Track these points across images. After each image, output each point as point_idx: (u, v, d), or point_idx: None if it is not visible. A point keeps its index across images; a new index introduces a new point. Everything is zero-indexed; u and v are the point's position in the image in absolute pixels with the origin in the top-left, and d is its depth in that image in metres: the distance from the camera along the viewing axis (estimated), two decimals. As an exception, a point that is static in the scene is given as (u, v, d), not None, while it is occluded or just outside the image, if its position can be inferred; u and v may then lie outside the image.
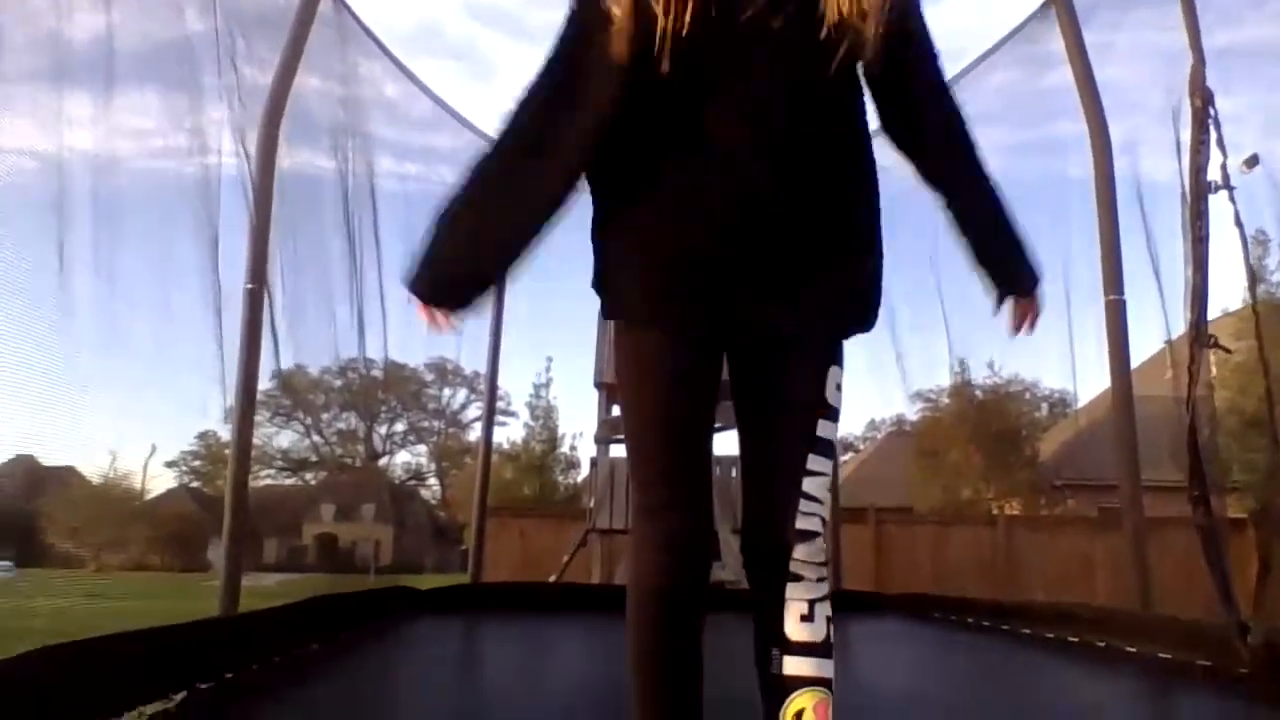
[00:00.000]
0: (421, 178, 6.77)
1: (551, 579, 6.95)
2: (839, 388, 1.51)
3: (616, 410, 8.38)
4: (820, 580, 1.47)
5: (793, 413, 1.50)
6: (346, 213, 5.33)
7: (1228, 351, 3.17)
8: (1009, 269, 1.62)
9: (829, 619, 1.46)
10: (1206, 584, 3.35)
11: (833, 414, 1.50)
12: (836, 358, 1.52)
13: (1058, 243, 5.12)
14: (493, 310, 7.24)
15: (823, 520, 1.48)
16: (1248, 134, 3.56)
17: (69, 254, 3.51)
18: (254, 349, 4.30)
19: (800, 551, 1.44)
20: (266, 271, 4.34)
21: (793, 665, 1.42)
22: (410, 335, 6.31)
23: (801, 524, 1.45)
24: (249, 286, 4.28)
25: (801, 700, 1.40)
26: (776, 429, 1.52)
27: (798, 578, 1.45)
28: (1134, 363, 4.49)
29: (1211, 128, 3.14)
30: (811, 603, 1.45)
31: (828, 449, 1.50)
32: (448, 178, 7.20)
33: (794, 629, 1.44)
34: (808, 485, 1.46)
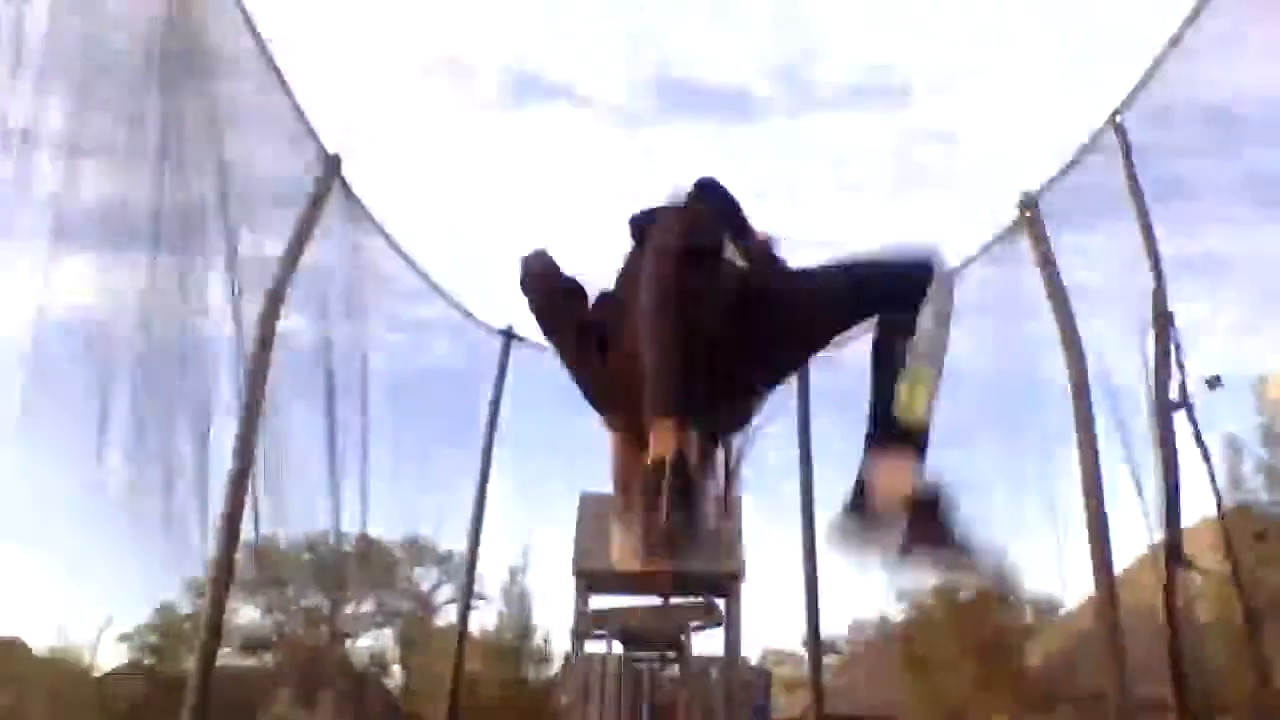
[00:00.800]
0: (414, 353, 6.89)
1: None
2: None
3: (595, 603, 8.16)
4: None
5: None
6: (332, 383, 5.37)
7: (1202, 572, 3.15)
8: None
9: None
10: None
11: None
12: None
13: (1038, 443, 5.19)
14: (476, 487, 7.17)
15: None
16: (1215, 340, 3.69)
17: (41, 417, 3.51)
18: (235, 524, 4.22)
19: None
20: (254, 451, 4.32)
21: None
22: (388, 510, 6.24)
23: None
24: (234, 468, 4.25)
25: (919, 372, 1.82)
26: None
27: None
28: (1124, 565, 4.42)
29: (1172, 349, 3.26)
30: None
31: None
32: (443, 355, 7.36)
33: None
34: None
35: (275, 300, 4.49)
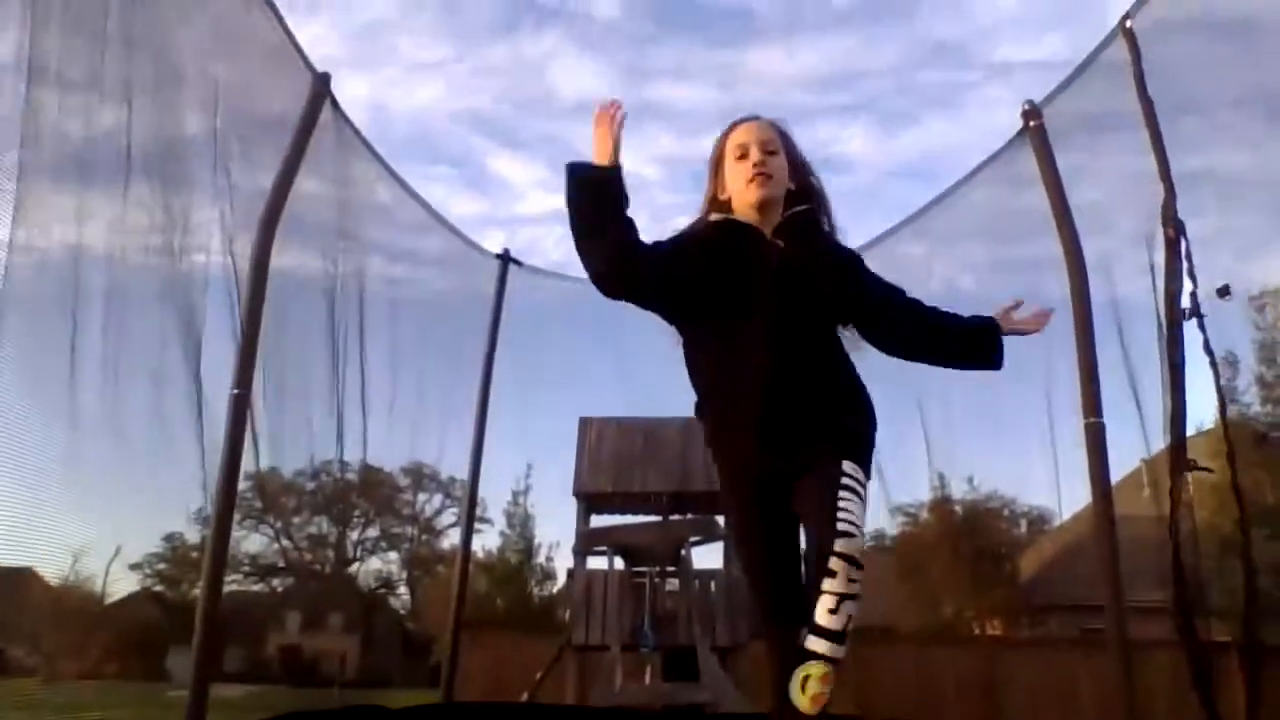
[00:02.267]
0: (411, 281, 6.84)
1: (524, 697, 6.72)
2: (854, 469, 2.10)
3: (595, 521, 8.29)
4: (852, 581, 1.92)
5: (824, 473, 2.07)
6: (333, 314, 5.35)
7: (1209, 471, 3.19)
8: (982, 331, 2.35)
9: (850, 619, 1.91)
10: (1193, 707, 3.29)
11: (855, 478, 2.08)
12: (848, 456, 2.12)
13: (1038, 358, 5.20)
14: (475, 413, 7.20)
15: (860, 531, 1.99)
16: (1220, 254, 3.68)
17: (41, 349, 3.50)
18: (236, 454, 4.24)
19: (840, 544, 1.92)
20: (253, 378, 4.32)
21: (812, 642, 1.89)
22: (390, 439, 6.28)
23: (840, 528, 1.95)
24: (235, 392, 4.25)
25: (810, 669, 1.88)
26: (815, 487, 2.07)
27: (833, 574, 1.91)
28: (1114, 478, 4.49)
29: (1183, 258, 3.25)
30: (839, 598, 1.90)
31: (854, 492, 2.04)
32: (439, 282, 7.32)
33: (821, 615, 1.90)
34: (842, 506, 1.99)
35: (270, 223, 4.43)
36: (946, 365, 2.48)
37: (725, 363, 2.19)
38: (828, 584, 1.90)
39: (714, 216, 2.31)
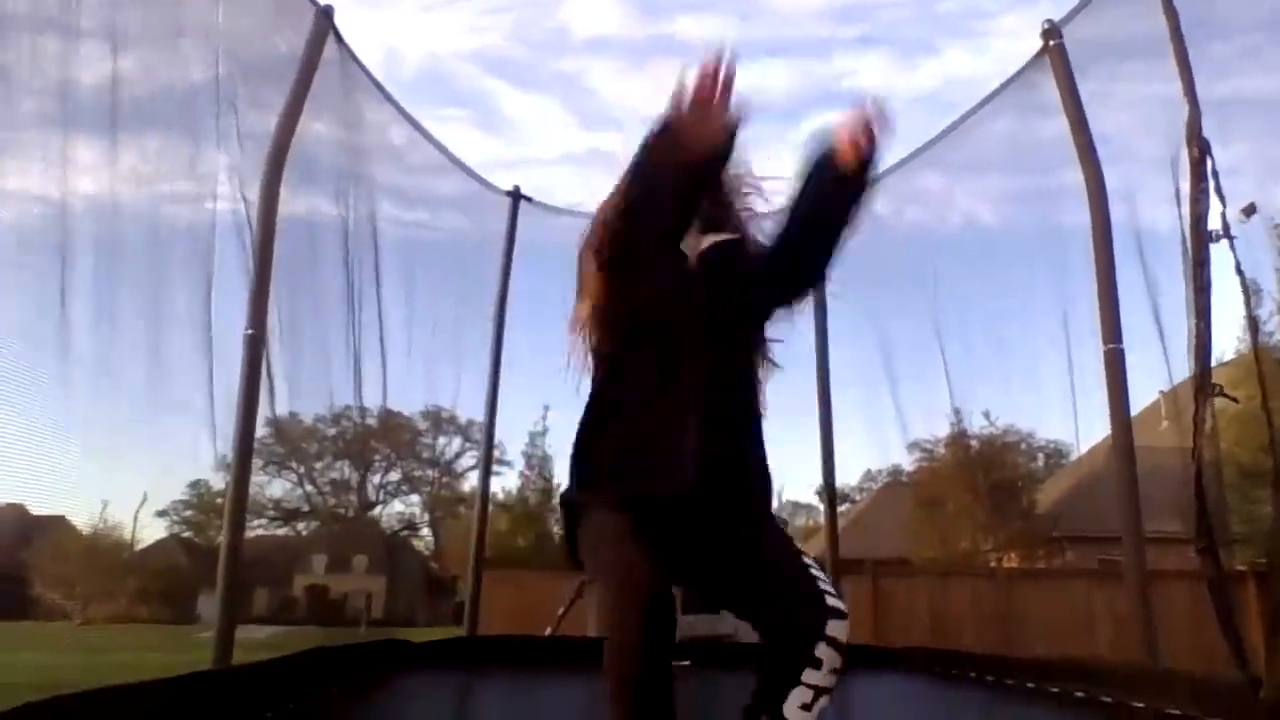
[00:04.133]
0: (424, 224, 6.80)
1: (547, 632, 6.84)
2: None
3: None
4: (834, 673, 1.61)
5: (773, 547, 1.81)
6: (347, 258, 5.33)
7: (1234, 400, 3.16)
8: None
9: (822, 712, 1.61)
10: (1211, 637, 3.30)
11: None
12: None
13: (1056, 291, 5.16)
14: (490, 356, 7.22)
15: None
16: (1245, 182, 3.59)
17: (64, 299, 3.50)
18: (252, 397, 4.27)
19: (833, 627, 1.61)
20: (267, 318, 4.32)
21: None
22: (407, 383, 6.30)
23: (831, 605, 1.64)
24: (249, 333, 4.25)
25: None
26: (770, 560, 1.78)
27: (818, 663, 1.59)
28: (1133, 409, 4.47)
29: (1210, 177, 3.17)
30: (817, 693, 1.60)
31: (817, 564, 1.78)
32: (451, 224, 7.28)
33: (792, 711, 1.59)
34: (821, 578, 1.70)
35: (278, 162, 4.39)
36: (842, 230, 1.98)
37: (646, 386, 1.96)
38: (809, 675, 1.60)
39: None
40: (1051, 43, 4.68)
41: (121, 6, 3.73)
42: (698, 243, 2.04)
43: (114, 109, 3.72)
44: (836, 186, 1.91)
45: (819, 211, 1.96)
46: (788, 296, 2.09)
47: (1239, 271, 3.11)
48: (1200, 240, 3.17)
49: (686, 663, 4.54)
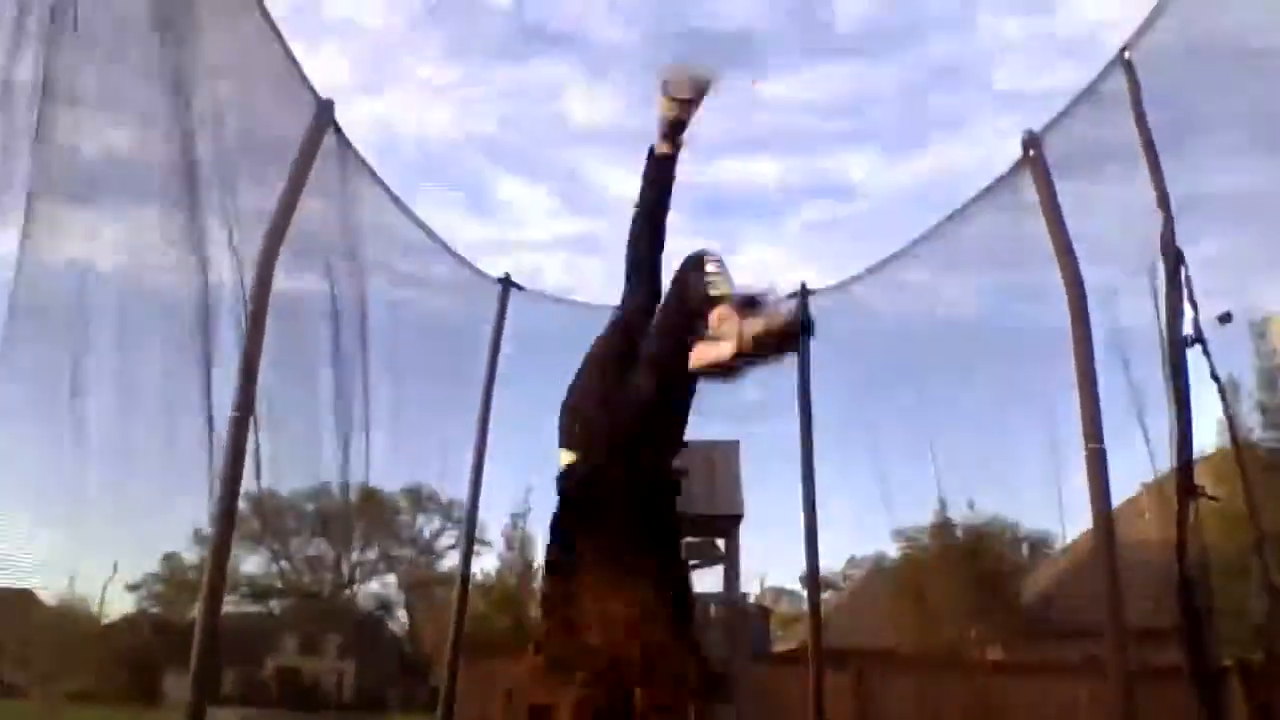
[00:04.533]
0: (414, 305, 6.85)
1: (523, 721, 6.66)
2: None
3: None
4: None
5: None
6: (335, 336, 5.36)
7: (1214, 500, 3.19)
8: None
9: None
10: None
11: None
12: None
13: (1040, 385, 5.22)
14: (476, 437, 7.19)
15: None
16: (1225, 278, 3.69)
17: (43, 369, 3.50)
18: (236, 476, 4.24)
19: None
20: (254, 399, 4.32)
21: None
22: (390, 461, 6.27)
23: None
24: (234, 415, 4.25)
25: None
26: None
27: None
28: (1117, 503, 4.48)
29: (1184, 285, 3.27)
30: None
31: None
32: (441, 307, 7.33)
33: None
34: None
35: (273, 243, 4.45)
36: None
37: None
38: None
39: None
40: (1031, 152, 4.83)
41: (128, 82, 3.81)
42: None
43: (112, 181, 3.78)
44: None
45: None
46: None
47: (1214, 376, 3.18)
48: (1176, 344, 3.26)
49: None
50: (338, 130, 5.05)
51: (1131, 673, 4.27)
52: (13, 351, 3.28)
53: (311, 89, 4.82)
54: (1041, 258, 4.71)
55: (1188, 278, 3.29)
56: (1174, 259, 3.33)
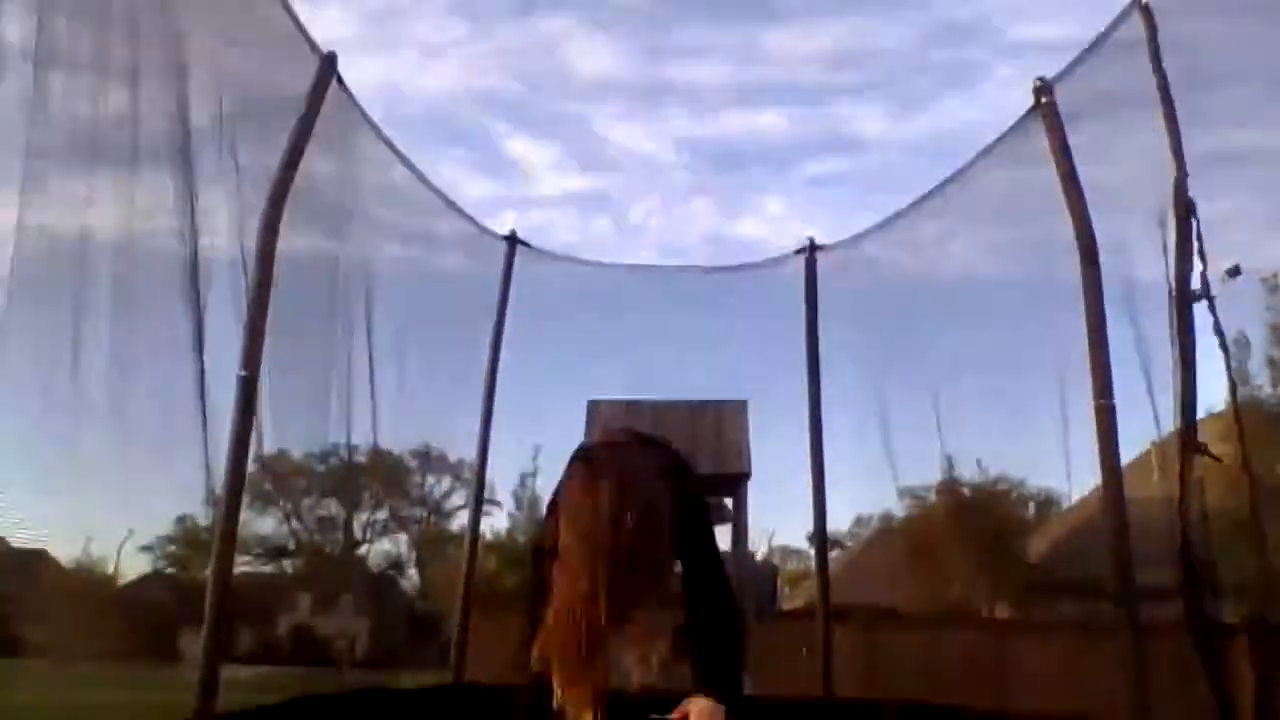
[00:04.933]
0: (420, 264, 6.83)
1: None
2: None
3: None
4: None
5: None
6: (340, 295, 5.35)
7: (1217, 459, 3.18)
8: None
9: None
10: (1202, 690, 3.29)
11: None
12: None
13: (1049, 341, 5.18)
14: (483, 396, 7.20)
15: None
16: (1236, 234, 3.64)
17: (50, 333, 3.50)
18: (244, 437, 4.25)
19: None
20: (260, 359, 4.32)
21: None
22: (398, 421, 6.28)
23: None
24: (242, 374, 4.25)
25: None
26: None
27: None
28: (1124, 460, 4.46)
29: (1194, 238, 3.22)
30: None
31: None
32: (446, 264, 7.32)
33: None
34: None
35: (276, 205, 4.42)
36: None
37: None
38: None
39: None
40: (1043, 100, 4.75)
41: (124, 43, 3.77)
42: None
43: (112, 144, 3.75)
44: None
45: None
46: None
47: (1218, 332, 3.14)
48: (1184, 299, 3.22)
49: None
50: (341, 84, 4.99)
51: (1139, 630, 4.29)
52: (17, 317, 3.28)
53: (313, 43, 4.76)
54: (1052, 212, 4.65)
55: (1198, 230, 3.24)
56: (1186, 209, 3.27)
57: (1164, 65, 3.80)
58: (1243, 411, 4.04)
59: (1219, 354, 3.49)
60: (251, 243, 4.41)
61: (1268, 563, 3.59)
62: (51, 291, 3.56)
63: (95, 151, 3.73)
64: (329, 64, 4.82)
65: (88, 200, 3.67)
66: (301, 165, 4.58)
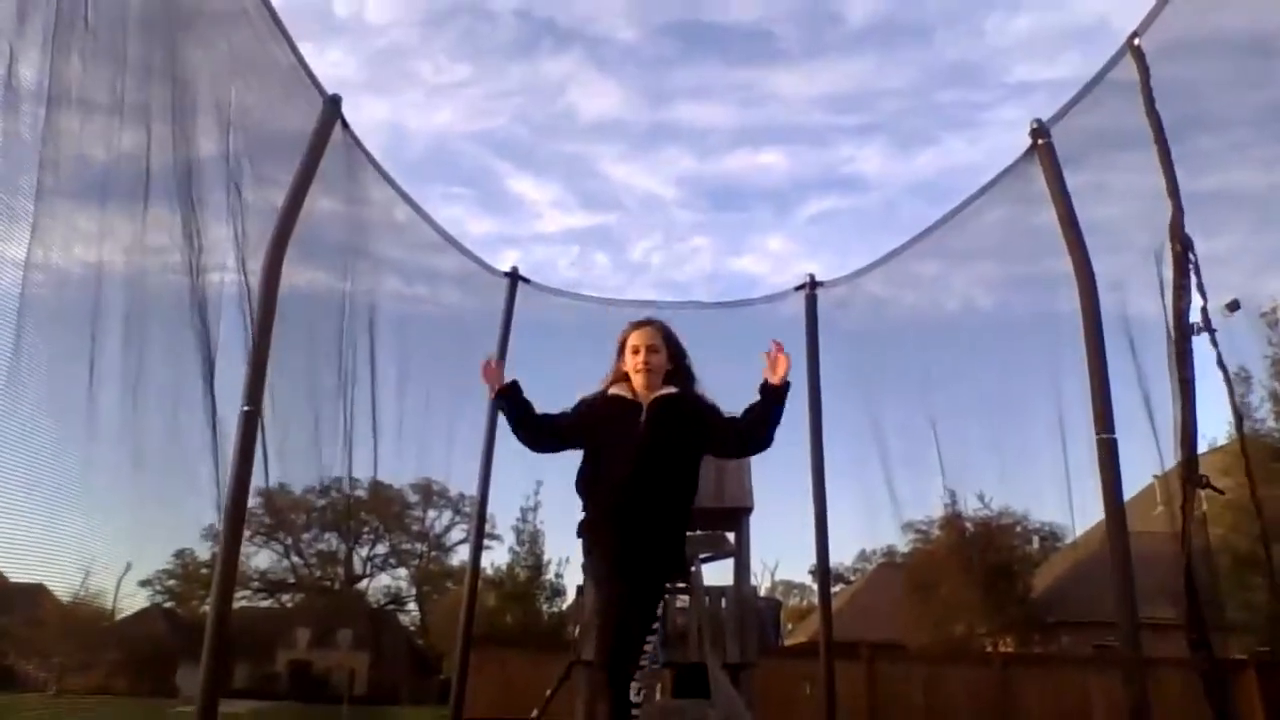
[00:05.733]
0: (422, 300, 6.86)
1: (534, 714, 6.70)
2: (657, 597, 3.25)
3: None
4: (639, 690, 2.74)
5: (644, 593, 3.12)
6: (343, 331, 5.37)
7: (1220, 492, 3.18)
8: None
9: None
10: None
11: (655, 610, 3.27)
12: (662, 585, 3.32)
13: (1050, 375, 5.20)
14: (485, 432, 7.21)
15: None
16: (1233, 272, 3.67)
17: (52, 366, 3.52)
18: (246, 470, 4.26)
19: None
20: (263, 394, 4.34)
21: None
22: (399, 455, 6.28)
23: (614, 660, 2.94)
24: (245, 409, 4.27)
25: None
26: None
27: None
28: (1127, 494, 4.45)
29: (1191, 273, 3.25)
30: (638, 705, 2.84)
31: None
32: (449, 301, 7.34)
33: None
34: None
35: (280, 242, 4.47)
36: (761, 442, 3.24)
37: (599, 476, 3.19)
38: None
39: (611, 390, 3.32)
40: (1040, 141, 4.80)
41: (135, 84, 3.82)
42: (649, 393, 3.26)
43: (121, 182, 3.79)
44: (765, 394, 3.13)
45: (754, 431, 3.19)
46: (736, 453, 3.63)
47: (1221, 365, 3.16)
48: (1182, 334, 3.24)
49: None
50: (345, 125, 5.06)
51: (1143, 665, 4.26)
52: (26, 350, 3.30)
53: (318, 86, 4.83)
54: (1050, 249, 4.69)
55: (1197, 266, 3.27)
56: (1182, 246, 3.30)
57: (1158, 106, 3.84)
58: (1246, 446, 4.05)
59: (1219, 389, 3.50)
60: (256, 279, 4.44)
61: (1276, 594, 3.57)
62: (58, 325, 3.58)
63: (102, 189, 3.76)
64: (333, 105, 4.89)
65: (95, 237, 3.70)
66: (307, 203, 4.62)
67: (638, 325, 3.36)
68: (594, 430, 3.26)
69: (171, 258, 4.12)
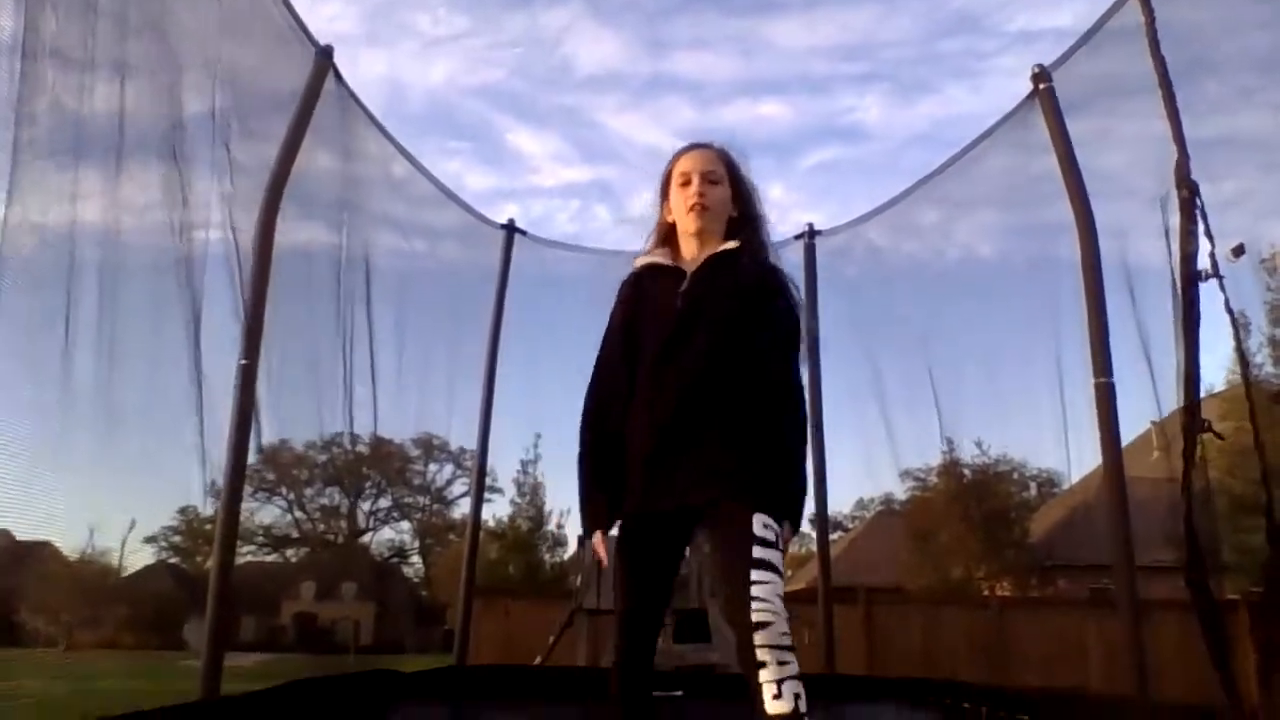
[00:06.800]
0: (419, 254, 6.82)
1: (537, 660, 6.80)
2: (766, 527, 2.03)
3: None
4: (784, 664, 1.90)
5: (730, 532, 2.05)
6: (340, 287, 5.34)
7: (1220, 438, 3.19)
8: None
9: (797, 695, 1.89)
10: (1201, 667, 3.31)
11: (765, 540, 2.01)
12: (758, 508, 2.05)
13: (1049, 323, 5.19)
14: (484, 386, 7.21)
15: (775, 614, 1.92)
16: (1238, 218, 3.64)
17: (52, 326, 3.50)
18: (245, 425, 4.26)
19: (760, 638, 1.90)
20: (260, 347, 4.32)
21: None
22: (399, 410, 6.29)
23: (756, 619, 1.92)
24: (242, 362, 4.25)
25: None
26: (722, 550, 2.07)
27: (763, 664, 1.89)
28: (1124, 440, 4.49)
29: (1199, 218, 3.22)
30: (780, 683, 1.88)
31: (767, 566, 1.97)
32: (446, 255, 7.30)
33: (769, 704, 1.88)
34: (755, 591, 1.94)
35: (275, 195, 4.42)
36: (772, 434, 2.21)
37: (633, 406, 2.25)
38: (762, 675, 1.89)
39: (647, 258, 2.41)
40: (1041, 86, 4.74)
41: (116, 36, 3.75)
42: (701, 252, 2.32)
43: (104, 138, 3.73)
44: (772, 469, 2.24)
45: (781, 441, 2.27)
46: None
47: (1228, 310, 3.15)
48: (1189, 279, 3.22)
49: (679, 693, 4.51)
50: (338, 77, 4.98)
51: (1140, 607, 4.32)
52: (16, 309, 3.28)
53: (310, 37, 4.74)
54: (1053, 196, 4.65)
55: (1203, 210, 3.24)
56: (1189, 191, 3.27)
57: (1163, 51, 3.78)
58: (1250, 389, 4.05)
59: (1219, 335, 3.50)
60: (246, 235, 4.40)
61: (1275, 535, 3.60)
62: (46, 284, 3.55)
63: (85, 145, 3.71)
64: (325, 56, 4.81)
65: (79, 195, 3.66)
66: (301, 157, 4.57)
67: (690, 148, 2.40)
68: (633, 325, 2.32)
69: (159, 216, 4.06)
